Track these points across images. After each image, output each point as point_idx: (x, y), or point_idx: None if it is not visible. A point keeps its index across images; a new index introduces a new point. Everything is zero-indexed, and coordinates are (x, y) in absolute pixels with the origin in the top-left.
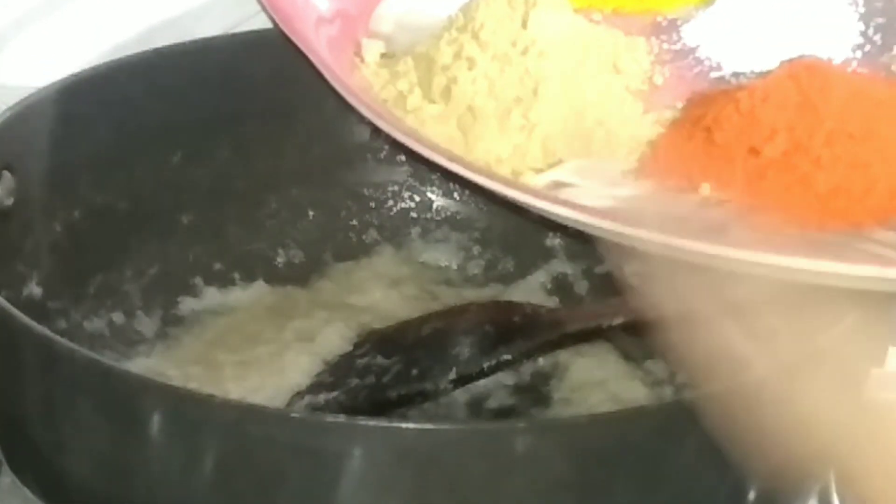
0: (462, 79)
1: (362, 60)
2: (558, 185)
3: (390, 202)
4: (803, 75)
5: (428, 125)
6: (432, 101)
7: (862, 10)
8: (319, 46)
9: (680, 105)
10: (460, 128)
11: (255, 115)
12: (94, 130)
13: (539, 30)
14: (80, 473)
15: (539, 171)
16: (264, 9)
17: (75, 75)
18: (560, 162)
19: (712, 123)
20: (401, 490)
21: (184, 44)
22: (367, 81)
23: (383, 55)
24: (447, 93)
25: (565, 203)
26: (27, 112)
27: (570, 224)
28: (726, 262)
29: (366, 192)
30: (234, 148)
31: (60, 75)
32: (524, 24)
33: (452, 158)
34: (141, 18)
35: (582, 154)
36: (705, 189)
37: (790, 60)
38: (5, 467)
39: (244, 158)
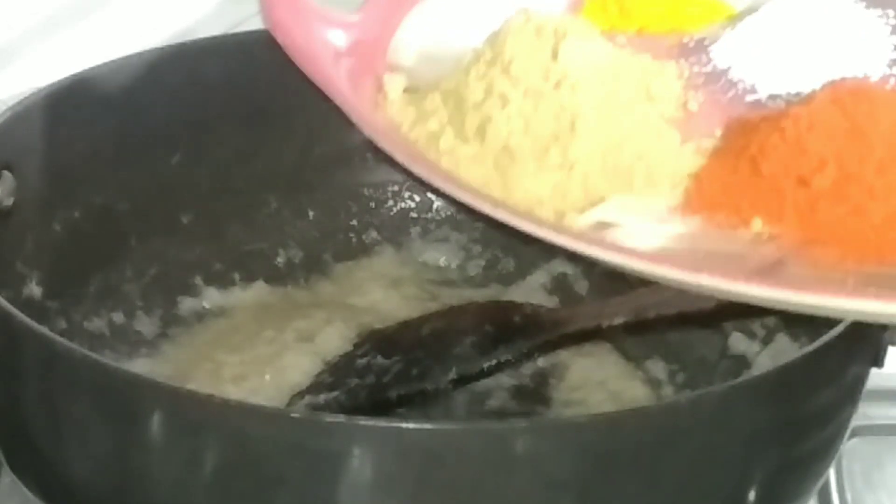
0: (496, 117)
1: (385, 97)
2: (603, 225)
3: (390, 202)
4: (848, 100)
5: (463, 167)
6: (466, 142)
7: (893, 22)
8: (343, 86)
9: (718, 132)
10: (497, 169)
11: (255, 114)
12: (94, 130)
13: (570, 61)
14: (79, 473)
15: (581, 210)
16: (283, 47)
17: (75, 75)
18: (602, 199)
19: (758, 154)
20: (401, 490)
21: (184, 44)
22: (394, 120)
23: (406, 89)
24: (481, 132)
25: (620, 250)
26: (27, 112)
27: (624, 270)
28: (789, 305)
29: (366, 192)
30: (234, 148)
31: (57, 76)
32: (554, 56)
33: (497, 205)
34: (141, 19)
35: (624, 190)
36: (756, 223)
37: (832, 84)
38: (5, 467)
39: (244, 158)
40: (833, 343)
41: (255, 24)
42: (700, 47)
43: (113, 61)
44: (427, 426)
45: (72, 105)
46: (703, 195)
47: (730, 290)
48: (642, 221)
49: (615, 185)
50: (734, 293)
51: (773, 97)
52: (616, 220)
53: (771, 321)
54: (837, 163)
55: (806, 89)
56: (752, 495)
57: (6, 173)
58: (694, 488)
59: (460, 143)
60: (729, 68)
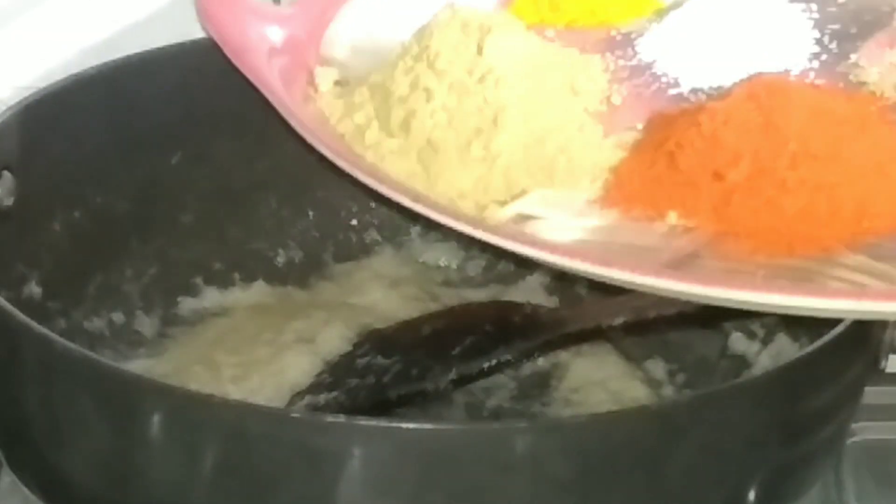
0: (420, 111)
1: (316, 90)
2: (523, 217)
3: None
4: (763, 95)
5: (388, 160)
6: (391, 135)
7: (816, 16)
8: (273, 79)
9: (640, 126)
10: (421, 162)
11: (255, 115)
12: (94, 130)
13: (495, 56)
14: (79, 473)
15: (503, 203)
16: (216, 41)
17: (75, 75)
18: (523, 192)
19: (675, 148)
20: (401, 490)
21: (184, 44)
22: (323, 113)
23: (337, 82)
24: (406, 126)
25: (534, 243)
26: (27, 112)
27: (539, 261)
28: (699, 297)
29: (366, 192)
30: (234, 148)
31: (58, 75)
32: (480, 51)
33: (417, 198)
34: (140, 18)
35: (545, 183)
36: (672, 217)
37: (749, 79)
38: (5, 467)
39: (244, 158)
40: (833, 343)
41: None
42: (627, 41)
43: (113, 61)
44: (427, 426)
45: (72, 105)
46: (621, 189)
47: (639, 283)
48: (561, 214)
49: (537, 179)
50: (644, 286)
51: (695, 91)
52: (536, 212)
53: (771, 321)
54: (752, 157)
55: (728, 83)
56: (752, 495)
57: (6, 173)
58: (694, 488)
59: (385, 137)
60: (654, 62)
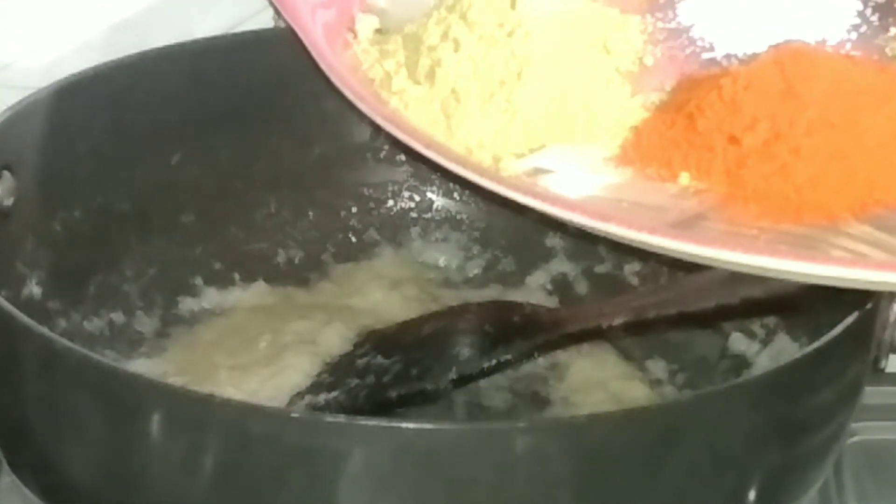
0: (447, 61)
1: (355, 37)
2: (538, 171)
3: (390, 202)
4: (788, 62)
5: (412, 107)
6: (417, 83)
7: None
8: (315, 30)
9: (669, 88)
10: (443, 110)
11: (255, 115)
12: (94, 130)
13: (527, 10)
14: (79, 473)
15: (520, 155)
16: None
17: (75, 75)
18: (542, 146)
19: (694, 110)
20: (401, 490)
21: (184, 44)
22: (358, 60)
23: (377, 31)
24: (431, 74)
25: (536, 194)
26: (27, 112)
27: (546, 214)
28: (695, 257)
29: (366, 192)
30: (234, 148)
31: (58, 75)
32: (513, 5)
33: (430, 145)
34: (140, 18)
35: (565, 138)
36: (684, 178)
37: (776, 45)
38: (5, 467)
39: (244, 158)
40: (833, 343)
41: (255, 24)
42: (669, 4)
43: (113, 61)
44: (427, 426)
45: (72, 105)
46: (638, 147)
47: (636, 240)
48: (576, 170)
49: (557, 133)
50: (640, 243)
51: (728, 57)
52: (551, 167)
53: (771, 321)
54: (769, 122)
55: (762, 51)
56: (752, 495)
57: (6, 173)
58: (694, 488)
59: (411, 85)
60: (692, 26)
